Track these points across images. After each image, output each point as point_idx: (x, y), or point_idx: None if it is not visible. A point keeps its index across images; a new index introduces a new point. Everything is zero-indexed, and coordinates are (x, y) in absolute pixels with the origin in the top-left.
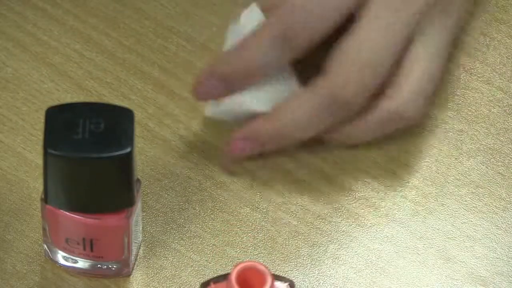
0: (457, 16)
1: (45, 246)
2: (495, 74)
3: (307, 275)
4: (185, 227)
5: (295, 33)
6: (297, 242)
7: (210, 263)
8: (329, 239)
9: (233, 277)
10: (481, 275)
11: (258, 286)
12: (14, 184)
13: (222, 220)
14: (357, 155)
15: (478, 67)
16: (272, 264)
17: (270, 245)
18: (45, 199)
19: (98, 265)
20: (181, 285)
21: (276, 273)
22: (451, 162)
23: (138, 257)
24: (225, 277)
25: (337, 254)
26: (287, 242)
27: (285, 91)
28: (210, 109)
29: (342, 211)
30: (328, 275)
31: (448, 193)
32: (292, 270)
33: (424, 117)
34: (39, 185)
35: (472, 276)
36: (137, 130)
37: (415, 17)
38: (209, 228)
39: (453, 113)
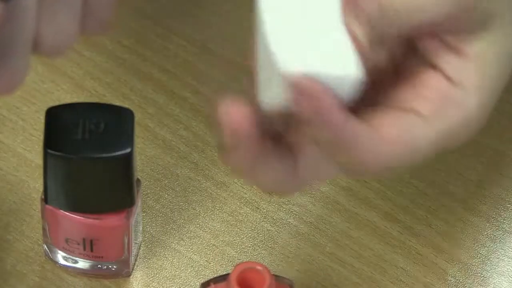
0: None
1: (45, 246)
2: None
3: (307, 275)
4: (185, 227)
5: None
6: (297, 242)
7: (210, 263)
8: (329, 239)
9: (233, 277)
10: (481, 275)
11: (258, 286)
12: (14, 184)
13: (222, 220)
14: None
15: None
16: (272, 264)
17: (270, 245)
18: (45, 199)
19: (98, 265)
20: (181, 285)
21: (276, 273)
22: (451, 162)
23: (138, 257)
24: (225, 277)
25: (337, 255)
26: (287, 242)
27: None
28: (268, 94)
29: (342, 211)
30: (328, 275)
31: (448, 193)
32: (292, 270)
33: None
34: (39, 185)
35: (472, 276)
36: (137, 130)
37: None
38: (209, 229)
39: None
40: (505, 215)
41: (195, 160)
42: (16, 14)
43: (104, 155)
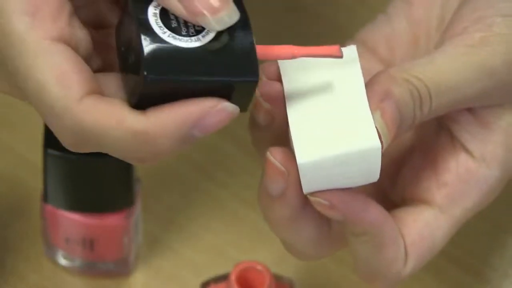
0: None
1: (45, 246)
2: None
3: (307, 275)
4: (185, 227)
5: None
6: None
7: (210, 263)
8: None
9: (233, 277)
10: (481, 274)
11: (258, 286)
12: (14, 184)
13: (222, 220)
14: None
15: None
16: (272, 264)
17: (270, 245)
18: (45, 199)
19: (98, 265)
20: (181, 285)
21: (276, 273)
22: None
23: (138, 257)
24: (225, 277)
25: (337, 254)
26: None
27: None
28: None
29: None
30: (328, 275)
31: None
32: (292, 270)
33: None
34: (39, 185)
35: (473, 275)
36: None
37: None
38: (209, 228)
39: None
40: (505, 215)
41: (195, 160)
42: None
43: (104, 155)
